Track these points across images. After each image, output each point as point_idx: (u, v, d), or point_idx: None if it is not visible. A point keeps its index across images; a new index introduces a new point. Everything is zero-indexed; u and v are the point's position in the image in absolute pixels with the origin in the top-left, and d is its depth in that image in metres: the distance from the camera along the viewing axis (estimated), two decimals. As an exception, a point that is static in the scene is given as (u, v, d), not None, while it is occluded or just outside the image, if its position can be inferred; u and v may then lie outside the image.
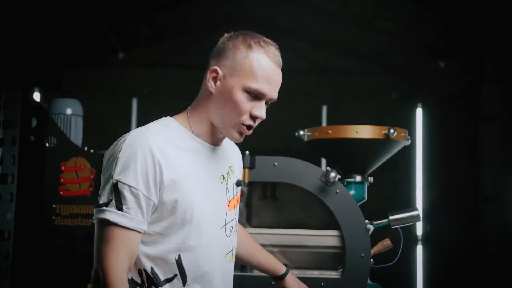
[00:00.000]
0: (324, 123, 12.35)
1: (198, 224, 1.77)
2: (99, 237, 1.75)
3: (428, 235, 11.66)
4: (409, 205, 8.82)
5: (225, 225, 1.88)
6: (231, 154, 2.05)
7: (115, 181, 1.72)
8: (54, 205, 3.30)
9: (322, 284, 2.88)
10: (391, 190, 8.84)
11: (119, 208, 1.71)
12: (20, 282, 3.20)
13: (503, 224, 10.41)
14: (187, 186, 1.77)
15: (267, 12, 14.38)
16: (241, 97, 1.79)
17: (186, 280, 1.79)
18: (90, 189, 3.33)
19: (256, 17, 14.66)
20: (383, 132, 3.04)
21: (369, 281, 2.98)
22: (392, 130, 3.02)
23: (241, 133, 1.85)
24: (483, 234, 11.58)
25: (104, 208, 1.72)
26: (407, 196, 12.11)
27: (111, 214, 1.71)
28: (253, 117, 1.82)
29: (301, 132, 3.19)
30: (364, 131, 3.04)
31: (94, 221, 1.78)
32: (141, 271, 1.78)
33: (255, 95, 1.81)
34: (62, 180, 3.33)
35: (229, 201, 1.92)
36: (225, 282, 1.90)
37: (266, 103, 1.85)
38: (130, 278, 1.77)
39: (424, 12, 11.95)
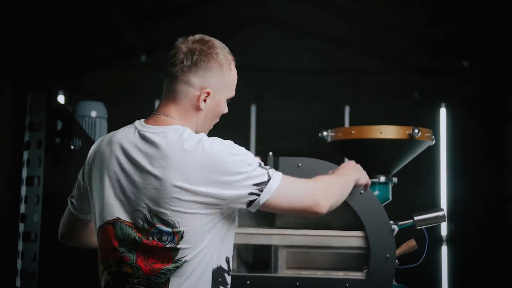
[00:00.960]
0: (346, 124, 12.28)
1: None
2: (293, 184, 2.17)
3: (452, 236, 11.57)
4: (434, 205, 8.77)
5: None
6: None
7: (259, 162, 2.14)
8: (80, 207, 3.33)
9: (347, 285, 2.88)
10: (415, 191, 8.79)
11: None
12: (47, 283, 3.23)
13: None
14: None
15: (287, 12, 14.38)
16: (224, 106, 2.18)
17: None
18: (115, 190, 3.35)
19: (276, 17, 14.68)
20: (407, 132, 3.04)
21: (394, 282, 2.98)
22: (416, 130, 3.01)
23: (209, 129, 2.24)
24: (509, 235, 11.49)
25: (272, 174, 2.10)
26: (431, 197, 12.03)
27: (279, 173, 2.16)
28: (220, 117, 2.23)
29: (325, 133, 3.20)
30: (388, 132, 3.04)
31: None
32: (227, 259, 2.09)
33: (226, 99, 2.21)
34: (87, 181, 3.36)
35: None
36: None
37: None
38: (218, 266, 2.05)
39: (448, 9, 11.87)
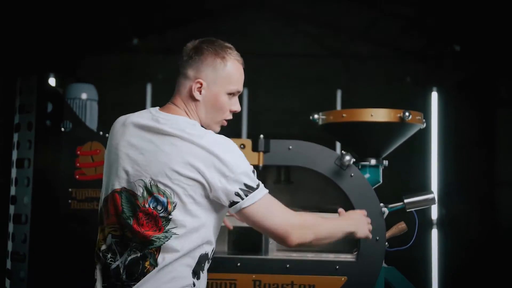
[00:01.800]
0: (339, 108, 12.29)
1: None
2: (269, 205, 2.22)
3: (443, 219, 11.61)
4: (424, 188, 8.75)
5: None
6: None
7: (252, 169, 2.25)
8: (70, 189, 3.32)
9: (337, 267, 2.89)
10: (406, 174, 8.79)
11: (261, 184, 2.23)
12: (37, 264, 3.23)
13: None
14: None
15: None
16: (225, 99, 2.23)
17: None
18: (106, 173, 3.34)
19: (269, 2, 14.63)
20: (398, 115, 3.04)
21: (384, 264, 2.98)
22: (407, 113, 3.01)
23: (220, 126, 2.30)
24: (498, 219, 11.56)
25: (256, 188, 2.18)
26: (422, 180, 12.07)
27: (264, 188, 2.23)
28: (230, 113, 2.26)
29: (316, 116, 3.19)
30: (379, 115, 3.03)
31: None
32: (203, 255, 2.21)
33: (233, 94, 2.26)
34: (78, 164, 3.35)
35: None
36: None
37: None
38: (204, 253, 2.18)
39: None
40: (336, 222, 2.49)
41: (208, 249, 2.18)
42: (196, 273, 2.14)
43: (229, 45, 2.32)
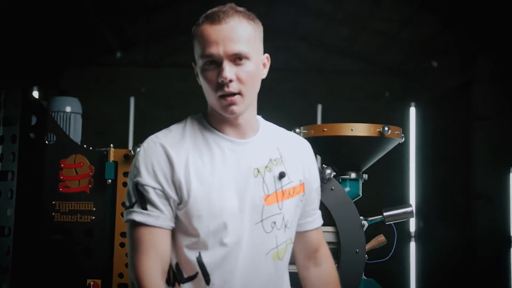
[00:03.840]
0: (319, 122, 12.35)
1: (217, 220, 1.67)
2: (129, 242, 1.74)
3: (421, 232, 11.67)
4: (403, 202, 8.82)
5: (261, 221, 1.71)
6: (272, 147, 1.82)
7: (135, 184, 1.72)
8: (53, 202, 3.31)
9: (318, 279, 2.90)
10: (385, 187, 8.86)
11: (144, 207, 1.69)
12: (20, 277, 3.21)
13: (494, 222, 10.46)
14: (201, 183, 1.68)
15: (263, 12, 14.39)
16: (205, 74, 1.71)
17: (209, 279, 1.69)
18: (89, 185, 3.34)
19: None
20: (378, 130, 3.07)
21: (363, 277, 3.00)
22: (386, 128, 3.04)
23: (227, 106, 1.70)
24: (475, 232, 11.63)
25: (130, 209, 1.72)
26: (400, 193, 12.13)
27: (136, 215, 1.70)
28: (220, 85, 1.68)
29: (297, 130, 3.21)
30: (359, 129, 3.06)
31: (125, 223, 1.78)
32: (178, 263, 1.74)
33: (211, 62, 1.70)
34: (61, 177, 3.34)
35: (268, 195, 1.72)
36: (269, 282, 1.74)
37: (233, 61, 1.69)
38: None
39: (418, 13, 11.98)
40: None
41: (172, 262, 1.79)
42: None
43: (207, 12, 1.79)
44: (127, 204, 1.74)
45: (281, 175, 1.74)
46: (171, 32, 15.35)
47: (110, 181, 3.33)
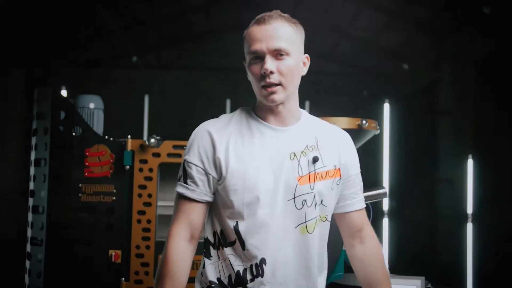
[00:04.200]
0: (306, 116, 12.33)
1: (251, 194, 1.67)
2: (173, 208, 1.80)
3: (393, 210, 11.71)
4: (378, 184, 8.87)
5: (293, 198, 1.68)
6: (310, 136, 1.78)
7: (184, 160, 1.77)
8: (80, 185, 3.32)
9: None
10: (362, 172, 8.80)
11: (185, 181, 1.74)
12: (52, 248, 3.22)
13: (454, 201, 10.52)
14: (239, 162, 1.69)
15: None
16: (251, 68, 1.71)
17: (244, 245, 1.68)
18: (110, 171, 3.35)
19: (245, 26, 14.58)
20: (357, 123, 3.07)
21: (343, 248, 3.00)
22: (364, 121, 3.05)
23: (268, 95, 1.70)
24: (439, 210, 11.69)
25: (178, 181, 1.77)
26: (376, 178, 12.14)
27: (179, 187, 1.76)
28: (263, 76, 1.68)
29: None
30: (341, 122, 3.06)
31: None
32: (215, 233, 1.75)
33: (256, 57, 1.70)
34: (86, 163, 3.35)
35: (301, 177, 1.69)
36: (297, 252, 1.71)
37: (275, 56, 1.68)
38: (206, 237, 1.78)
39: (392, 21, 11.98)
40: None
41: (208, 233, 1.81)
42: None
43: (257, 17, 1.78)
44: (178, 177, 1.79)
45: (315, 160, 1.72)
46: (179, 39, 15.32)
47: (128, 167, 3.34)
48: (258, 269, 1.66)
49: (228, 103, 12.23)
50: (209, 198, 1.75)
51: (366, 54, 14.08)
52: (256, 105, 1.80)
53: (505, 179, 10.13)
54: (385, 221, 6.23)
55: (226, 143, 1.71)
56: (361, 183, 1.89)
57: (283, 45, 1.68)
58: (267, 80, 1.67)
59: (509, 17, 9.36)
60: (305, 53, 1.81)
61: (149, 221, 3.36)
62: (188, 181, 1.74)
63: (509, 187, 10.04)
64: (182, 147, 3.38)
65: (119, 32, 12.30)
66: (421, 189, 12.59)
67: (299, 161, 1.71)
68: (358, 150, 3.34)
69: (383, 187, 3.10)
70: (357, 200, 1.84)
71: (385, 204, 7.45)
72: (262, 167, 1.69)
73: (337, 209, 1.82)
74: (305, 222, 1.70)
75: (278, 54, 1.68)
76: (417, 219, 12.21)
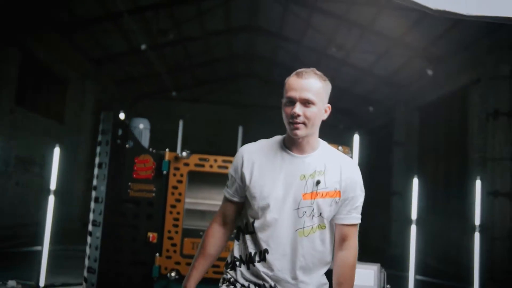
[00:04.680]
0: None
1: (264, 201, 1.69)
2: None
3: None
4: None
5: (297, 208, 1.68)
6: (321, 163, 1.75)
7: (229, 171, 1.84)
8: (129, 183, 3.31)
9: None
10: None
11: (227, 186, 1.83)
12: (107, 230, 3.21)
13: (403, 209, 10.44)
14: (259, 177, 1.72)
15: (265, 70, 14.55)
16: (285, 109, 1.71)
17: (256, 237, 1.71)
18: (152, 174, 3.34)
19: (259, 74, 14.67)
20: (335, 148, 3.06)
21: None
22: (340, 147, 3.04)
23: (293, 130, 1.69)
24: (391, 215, 11.62)
25: (226, 187, 1.84)
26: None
27: (224, 190, 1.85)
28: (292, 116, 1.67)
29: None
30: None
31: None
32: (244, 223, 1.78)
33: (290, 101, 1.70)
34: (135, 168, 3.35)
35: (306, 193, 1.69)
36: (293, 249, 1.70)
37: (304, 104, 1.68)
38: (239, 225, 1.81)
39: (364, 76, 12.02)
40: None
41: (241, 222, 1.82)
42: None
43: (292, 74, 1.77)
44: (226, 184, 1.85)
45: (317, 182, 1.70)
46: (207, 81, 15.44)
47: (165, 172, 3.33)
48: (262, 255, 1.69)
49: (240, 129, 12.18)
50: (237, 199, 1.80)
51: (343, 99, 14.13)
52: (286, 136, 1.79)
53: (439, 195, 10.09)
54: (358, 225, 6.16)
55: (252, 162, 1.75)
56: (358, 204, 1.80)
57: (310, 96, 1.68)
58: (294, 120, 1.67)
59: (449, 76, 9.40)
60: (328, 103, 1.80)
61: (178, 213, 3.34)
62: (227, 186, 1.82)
63: (441, 200, 10.00)
64: (205, 159, 3.37)
65: (163, 74, 12.41)
66: (379, 199, 12.52)
67: (306, 182, 1.70)
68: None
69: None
70: (349, 217, 1.78)
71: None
72: (277, 183, 1.71)
73: (334, 219, 1.78)
74: (303, 228, 1.69)
75: (306, 102, 1.68)
76: (376, 221, 12.12)
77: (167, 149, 3.43)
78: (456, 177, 9.56)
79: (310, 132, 1.72)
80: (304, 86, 1.69)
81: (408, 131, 11.76)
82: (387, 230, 11.77)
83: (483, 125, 8.28)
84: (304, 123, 1.69)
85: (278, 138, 1.83)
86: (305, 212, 1.69)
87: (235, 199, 1.79)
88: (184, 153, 3.36)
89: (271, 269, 1.68)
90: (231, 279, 1.73)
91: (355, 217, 1.79)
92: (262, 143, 1.82)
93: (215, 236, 1.81)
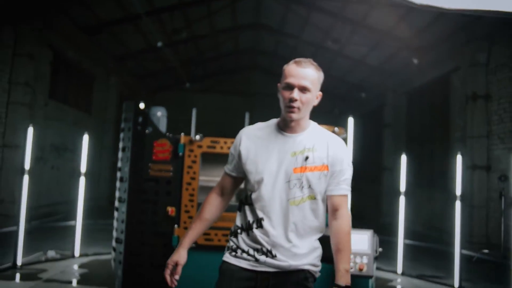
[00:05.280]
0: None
1: (259, 175, 1.69)
2: None
3: (354, 188, 11.71)
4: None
5: (288, 181, 1.67)
6: (310, 141, 1.72)
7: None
8: (149, 164, 3.31)
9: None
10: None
11: (227, 162, 1.82)
12: (131, 205, 3.22)
13: (392, 183, 10.42)
14: (255, 154, 1.72)
15: (268, 63, 14.42)
16: (283, 93, 1.68)
17: (254, 207, 1.70)
18: (169, 156, 3.33)
19: (263, 66, 14.51)
20: (332, 129, 3.03)
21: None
22: (336, 128, 3.01)
23: (289, 113, 1.67)
24: (382, 188, 11.60)
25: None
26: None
27: (225, 166, 1.83)
28: (290, 100, 1.66)
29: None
30: (320, 128, 3.02)
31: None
32: (244, 196, 1.76)
33: (287, 86, 1.67)
34: (154, 150, 3.34)
35: (296, 168, 1.67)
36: (286, 217, 1.68)
37: (301, 90, 1.66)
38: (241, 199, 1.78)
39: (357, 66, 11.88)
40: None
41: (244, 196, 1.80)
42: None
43: (292, 61, 1.73)
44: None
45: (306, 158, 1.68)
46: (216, 73, 15.35)
47: (181, 154, 3.32)
48: (259, 223, 1.69)
49: (247, 115, 12.09)
50: (235, 174, 1.79)
51: (339, 87, 14.00)
52: (280, 117, 1.76)
53: (425, 169, 10.05)
54: (349, 195, 6.14)
55: (249, 142, 1.74)
56: (345, 176, 1.75)
57: (307, 84, 1.67)
58: (292, 104, 1.66)
59: (432, 64, 9.27)
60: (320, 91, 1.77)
61: (193, 189, 3.34)
62: (228, 162, 1.81)
63: (427, 174, 9.96)
64: (216, 142, 3.36)
65: (177, 68, 12.35)
66: (372, 174, 12.50)
67: (296, 158, 1.69)
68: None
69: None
70: (338, 188, 1.74)
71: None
72: (270, 159, 1.70)
73: (326, 192, 1.75)
74: (294, 198, 1.68)
75: (303, 89, 1.67)
76: (369, 194, 12.12)
77: (182, 134, 3.41)
78: (439, 153, 9.50)
79: (302, 116, 1.71)
80: (302, 74, 1.67)
81: (396, 114, 11.67)
82: (378, 201, 11.77)
83: (463, 107, 8.20)
84: (299, 108, 1.67)
85: (273, 120, 1.81)
86: (296, 184, 1.68)
87: (233, 174, 1.79)
88: (198, 137, 3.34)
89: (267, 235, 1.67)
90: (233, 246, 1.73)
91: (344, 189, 1.75)
92: (259, 125, 1.81)
93: (213, 204, 1.81)
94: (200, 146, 3.37)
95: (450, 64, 8.83)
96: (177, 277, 1.67)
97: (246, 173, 1.72)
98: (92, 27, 9.54)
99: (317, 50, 11.22)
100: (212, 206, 1.81)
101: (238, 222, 1.76)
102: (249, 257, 1.68)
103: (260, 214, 1.69)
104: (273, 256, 1.66)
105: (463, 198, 4.87)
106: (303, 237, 1.70)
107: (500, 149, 7.25)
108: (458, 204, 4.80)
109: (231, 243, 1.75)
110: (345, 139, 3.74)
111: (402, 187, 5.49)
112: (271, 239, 1.67)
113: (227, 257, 1.72)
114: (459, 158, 4.86)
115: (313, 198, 1.71)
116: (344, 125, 4.37)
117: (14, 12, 7.54)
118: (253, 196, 1.70)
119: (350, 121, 5.42)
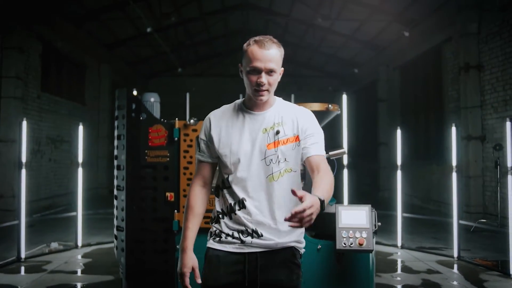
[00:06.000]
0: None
1: (235, 157, 1.67)
2: (195, 168, 1.80)
3: (350, 164, 11.75)
4: (339, 147, 8.83)
5: (264, 158, 1.66)
6: (278, 116, 1.71)
7: (197, 137, 1.79)
8: (146, 151, 3.28)
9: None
10: (328, 141, 8.77)
11: (199, 151, 1.76)
12: (130, 192, 3.21)
13: (389, 157, 10.46)
14: (227, 137, 1.69)
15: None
16: (249, 76, 1.63)
17: (232, 189, 1.68)
18: (165, 141, 3.30)
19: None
20: (326, 106, 3.02)
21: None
22: (330, 106, 2.99)
23: (258, 96, 1.65)
24: (379, 163, 11.66)
25: (196, 152, 1.78)
26: (339, 143, 12.10)
27: (196, 154, 1.77)
28: (258, 84, 1.62)
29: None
30: (315, 106, 3.01)
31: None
32: (220, 181, 1.73)
33: (254, 70, 1.62)
34: (149, 137, 3.31)
35: (269, 144, 1.66)
36: (267, 194, 1.67)
37: (267, 73, 1.63)
38: (216, 184, 1.76)
39: (348, 41, 11.78)
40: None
41: (219, 180, 1.77)
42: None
43: (255, 38, 1.67)
44: (196, 149, 1.79)
45: (277, 132, 1.68)
46: (208, 56, 15.19)
47: (176, 139, 3.30)
48: (241, 203, 1.67)
49: (240, 97, 12.06)
50: (211, 160, 1.74)
51: (331, 63, 13.93)
52: (246, 97, 1.74)
53: (420, 142, 10.08)
54: (345, 172, 6.18)
55: (219, 125, 1.71)
56: (317, 140, 1.72)
57: (274, 66, 1.63)
58: (261, 87, 1.63)
59: (423, 36, 9.20)
60: (282, 66, 1.72)
61: (191, 173, 3.33)
62: (200, 150, 1.75)
63: (422, 147, 10.00)
64: (211, 125, 3.34)
65: (169, 53, 12.21)
66: (368, 149, 12.55)
67: (268, 134, 1.68)
68: (327, 124, 3.29)
69: (343, 148, 3.05)
70: (312, 149, 1.70)
71: (345, 160, 7.51)
72: (243, 139, 1.68)
73: (303, 157, 1.72)
74: (272, 173, 1.66)
75: (270, 71, 1.63)
76: (366, 169, 12.19)
77: (176, 119, 3.38)
78: (434, 125, 9.52)
79: (271, 95, 1.70)
80: (267, 57, 1.62)
81: (390, 88, 11.64)
82: (375, 175, 11.84)
83: (456, 78, 8.18)
84: (268, 90, 1.65)
85: (238, 101, 1.78)
86: (272, 160, 1.67)
87: (210, 160, 1.74)
88: (192, 121, 3.31)
89: (250, 214, 1.66)
90: (217, 231, 1.71)
91: (320, 149, 1.72)
92: (225, 107, 1.78)
93: (199, 196, 1.75)
94: (195, 130, 3.34)
95: (441, 35, 8.76)
96: (199, 280, 1.65)
97: (221, 157, 1.69)
98: (80, 16, 9.38)
99: (308, 28, 11.11)
100: (200, 199, 1.75)
101: (218, 207, 1.73)
102: (234, 240, 1.67)
103: (241, 195, 1.67)
104: (259, 236, 1.66)
105: (459, 169, 4.90)
106: (286, 213, 1.63)
107: (494, 119, 7.26)
108: (454, 176, 4.83)
109: (214, 229, 1.73)
110: (339, 116, 3.72)
111: (399, 161, 5.51)
112: (254, 218, 1.66)
113: (211, 243, 1.71)
114: (453, 130, 4.87)
115: (290, 171, 1.69)
116: (338, 102, 4.35)
117: (1, 6, 7.38)
118: (231, 178, 1.68)
119: (344, 98, 5.39)
